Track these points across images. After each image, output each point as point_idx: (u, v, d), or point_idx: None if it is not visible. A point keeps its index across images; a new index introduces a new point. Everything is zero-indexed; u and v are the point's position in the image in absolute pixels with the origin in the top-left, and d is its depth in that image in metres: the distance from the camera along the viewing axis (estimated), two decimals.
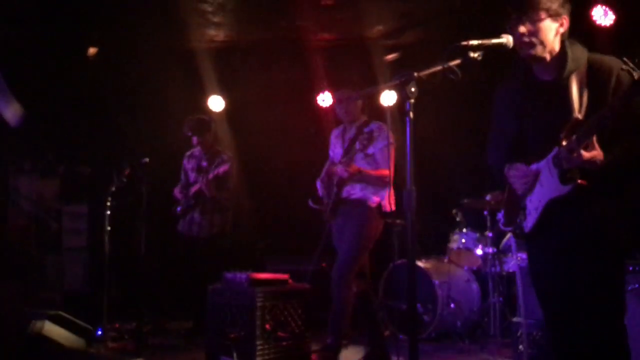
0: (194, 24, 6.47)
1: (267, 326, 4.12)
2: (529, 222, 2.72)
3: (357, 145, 4.58)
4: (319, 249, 5.13)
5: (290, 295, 4.29)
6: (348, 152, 4.73)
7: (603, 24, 5.34)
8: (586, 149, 2.41)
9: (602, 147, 2.43)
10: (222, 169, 5.78)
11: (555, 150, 2.54)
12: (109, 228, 5.74)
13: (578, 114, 2.51)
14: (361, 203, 4.64)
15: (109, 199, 5.82)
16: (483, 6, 5.69)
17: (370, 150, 4.63)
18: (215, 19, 6.37)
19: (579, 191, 2.50)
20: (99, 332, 5.58)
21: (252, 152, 7.64)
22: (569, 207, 2.57)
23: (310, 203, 5.07)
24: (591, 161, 2.42)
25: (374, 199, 4.65)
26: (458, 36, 2.58)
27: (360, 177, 4.61)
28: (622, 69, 2.46)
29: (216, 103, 7.33)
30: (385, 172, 4.58)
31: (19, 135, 7.23)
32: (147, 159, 5.53)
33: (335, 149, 4.96)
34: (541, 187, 2.65)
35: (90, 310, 6.06)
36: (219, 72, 7.25)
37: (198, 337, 5.58)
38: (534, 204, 2.69)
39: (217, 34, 6.80)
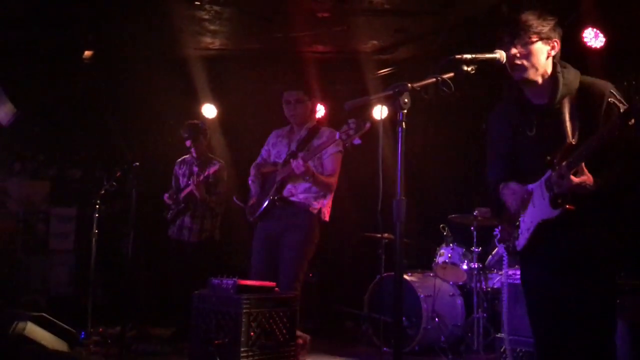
0: (190, 31, 6.49)
1: (252, 334, 4.10)
2: (521, 241, 2.78)
3: (311, 146, 4.53)
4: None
5: (276, 303, 4.28)
6: (298, 152, 4.58)
7: (594, 46, 5.41)
8: (575, 174, 2.47)
9: (593, 171, 2.48)
10: (212, 169, 5.83)
11: (548, 174, 2.59)
12: (96, 231, 5.73)
13: (572, 139, 2.55)
14: (303, 208, 4.56)
15: (98, 202, 5.81)
16: (477, 23, 5.76)
17: (321, 154, 4.57)
18: (212, 27, 6.40)
19: (569, 214, 2.54)
20: (82, 336, 5.55)
21: (244, 161, 7.65)
22: (559, 230, 2.61)
23: (235, 199, 4.95)
24: (581, 186, 2.47)
25: (315, 205, 4.58)
26: (451, 53, 2.60)
27: (308, 178, 4.46)
28: (609, 101, 2.54)
29: (209, 111, 7.36)
30: (333, 179, 4.58)
31: (10, 136, 7.22)
32: (137, 163, 5.52)
33: (277, 149, 4.81)
34: (533, 208, 2.70)
35: (74, 313, 6.04)
36: (213, 80, 7.29)
37: (180, 343, 5.56)
38: (527, 224, 2.74)
39: (212, 42, 6.83)
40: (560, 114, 2.62)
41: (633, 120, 2.44)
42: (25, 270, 7.23)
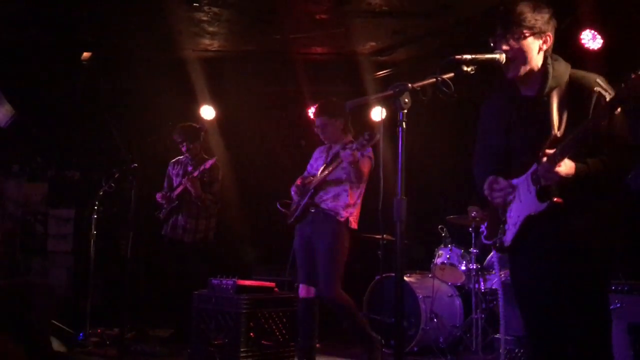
0: (188, 33, 6.50)
1: (252, 334, 4.12)
2: (508, 237, 2.75)
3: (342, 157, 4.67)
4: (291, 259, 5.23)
5: (275, 304, 4.30)
6: (331, 162, 4.81)
7: (592, 48, 5.44)
8: (560, 166, 2.45)
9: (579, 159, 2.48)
10: (209, 163, 5.81)
11: (534, 167, 2.57)
12: (95, 233, 5.73)
13: (557, 131, 2.53)
14: (331, 215, 4.74)
15: (97, 203, 5.82)
16: (475, 25, 5.79)
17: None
18: (210, 29, 6.41)
19: (556, 207, 2.52)
20: (81, 337, 5.56)
21: (242, 162, 7.68)
22: (546, 222, 2.59)
23: (278, 205, 5.23)
24: (567, 176, 2.46)
25: (342, 214, 4.75)
26: (449, 54, 2.60)
27: (338, 180, 4.77)
28: (597, 91, 2.52)
29: (207, 112, 7.38)
30: (364, 175, 4.75)
31: (8, 138, 7.22)
32: (136, 165, 5.53)
33: (317, 162, 5.07)
34: (520, 203, 2.68)
35: (73, 314, 6.04)
36: (211, 81, 7.30)
37: (179, 344, 5.57)
38: (513, 219, 2.72)
39: (211, 44, 6.84)
40: (548, 106, 2.59)
41: (619, 110, 2.44)
42: (24, 272, 7.23)
